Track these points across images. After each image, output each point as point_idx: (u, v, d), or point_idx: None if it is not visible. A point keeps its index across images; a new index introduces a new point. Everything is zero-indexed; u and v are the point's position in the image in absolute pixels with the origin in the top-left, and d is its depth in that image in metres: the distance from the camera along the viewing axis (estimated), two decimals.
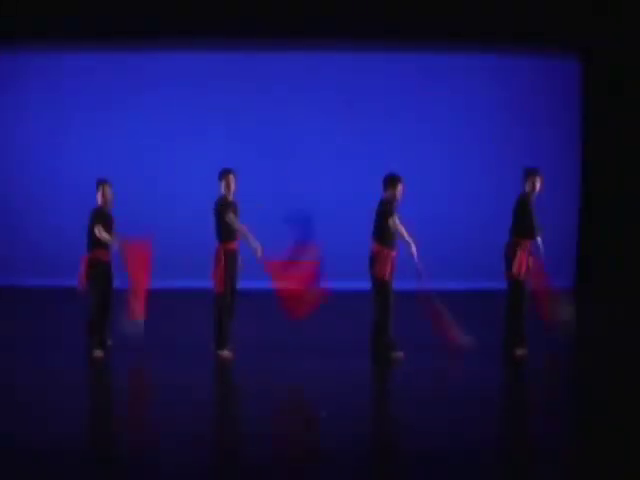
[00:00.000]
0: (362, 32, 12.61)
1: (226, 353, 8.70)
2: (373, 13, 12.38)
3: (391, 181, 8.67)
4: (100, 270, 8.67)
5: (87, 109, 12.99)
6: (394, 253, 8.62)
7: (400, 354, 8.63)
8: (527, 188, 8.88)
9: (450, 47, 13.11)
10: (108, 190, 8.79)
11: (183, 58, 13.07)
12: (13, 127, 13.10)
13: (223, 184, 8.78)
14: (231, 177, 8.79)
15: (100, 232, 8.55)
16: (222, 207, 8.70)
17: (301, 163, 13.16)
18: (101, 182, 8.84)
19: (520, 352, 8.78)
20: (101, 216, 8.68)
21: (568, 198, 13.10)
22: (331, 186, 13.12)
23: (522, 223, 8.80)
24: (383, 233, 8.58)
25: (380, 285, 8.57)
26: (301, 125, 13.13)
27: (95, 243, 8.67)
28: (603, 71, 12.94)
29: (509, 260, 8.79)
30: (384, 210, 8.57)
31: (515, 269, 8.71)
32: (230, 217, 8.65)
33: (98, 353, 8.58)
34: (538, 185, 8.89)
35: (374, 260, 8.60)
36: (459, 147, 13.29)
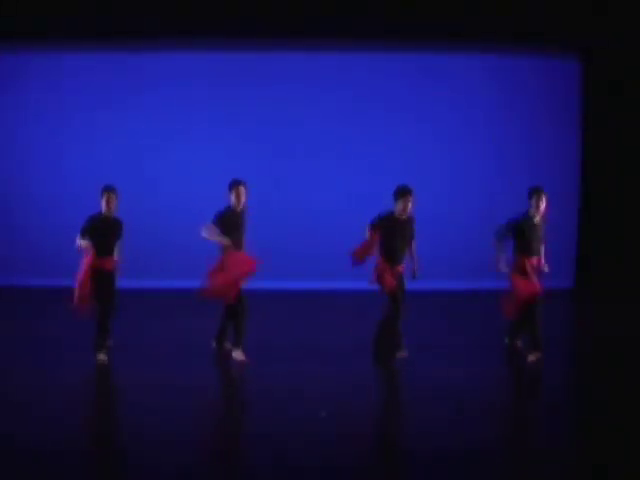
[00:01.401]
0: (362, 32, 12.59)
1: (239, 354, 8.62)
2: (373, 13, 12.37)
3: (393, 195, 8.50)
4: (103, 279, 8.60)
5: (87, 109, 12.97)
6: (395, 267, 8.49)
7: (404, 353, 8.63)
8: (531, 208, 8.61)
9: (450, 47, 13.10)
10: (113, 198, 8.54)
11: (183, 58, 13.05)
12: (13, 127, 13.07)
13: (233, 195, 8.57)
14: (241, 189, 8.57)
15: (80, 240, 8.45)
16: (216, 218, 8.55)
17: (301, 163, 13.15)
18: (106, 189, 8.57)
19: (532, 357, 8.67)
20: (92, 225, 8.52)
21: (568, 198, 13.08)
22: (331, 186, 13.11)
23: (520, 243, 8.66)
24: (381, 247, 8.50)
25: (388, 294, 8.50)
26: (301, 125, 13.12)
27: (98, 251, 8.54)
28: (603, 71, 12.92)
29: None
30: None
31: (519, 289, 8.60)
32: (204, 230, 8.54)
33: (102, 357, 8.49)
34: (542, 205, 8.59)
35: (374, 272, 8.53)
36: (459, 147, 13.28)
